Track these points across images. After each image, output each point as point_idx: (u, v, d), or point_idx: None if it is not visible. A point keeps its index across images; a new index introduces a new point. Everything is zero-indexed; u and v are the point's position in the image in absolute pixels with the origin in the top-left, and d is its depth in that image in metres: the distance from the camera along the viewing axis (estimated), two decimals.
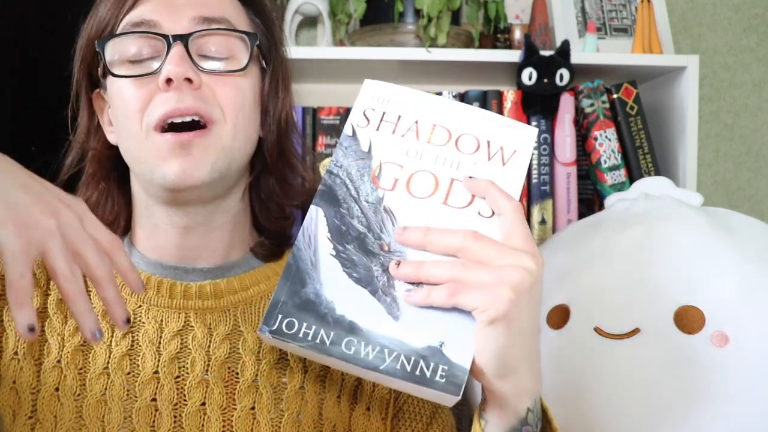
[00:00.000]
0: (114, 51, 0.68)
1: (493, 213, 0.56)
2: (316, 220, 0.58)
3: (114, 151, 0.72)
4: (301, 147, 0.81)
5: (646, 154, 1.19)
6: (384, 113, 0.61)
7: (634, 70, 1.25)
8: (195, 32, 0.67)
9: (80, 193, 0.74)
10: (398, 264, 0.55)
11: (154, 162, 0.65)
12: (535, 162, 1.21)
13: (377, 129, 0.60)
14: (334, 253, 0.57)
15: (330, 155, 1.21)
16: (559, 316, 0.75)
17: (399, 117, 0.61)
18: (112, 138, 0.72)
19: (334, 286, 0.55)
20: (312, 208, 0.59)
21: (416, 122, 0.60)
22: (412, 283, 0.54)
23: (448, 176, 0.58)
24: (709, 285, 0.71)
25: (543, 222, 1.20)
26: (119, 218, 0.75)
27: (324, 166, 1.21)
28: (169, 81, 0.64)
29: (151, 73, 0.66)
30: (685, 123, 1.20)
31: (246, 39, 0.69)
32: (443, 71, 1.30)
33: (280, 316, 0.55)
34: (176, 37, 0.66)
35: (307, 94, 1.40)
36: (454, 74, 1.33)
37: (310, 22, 1.44)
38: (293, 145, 0.77)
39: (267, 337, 0.54)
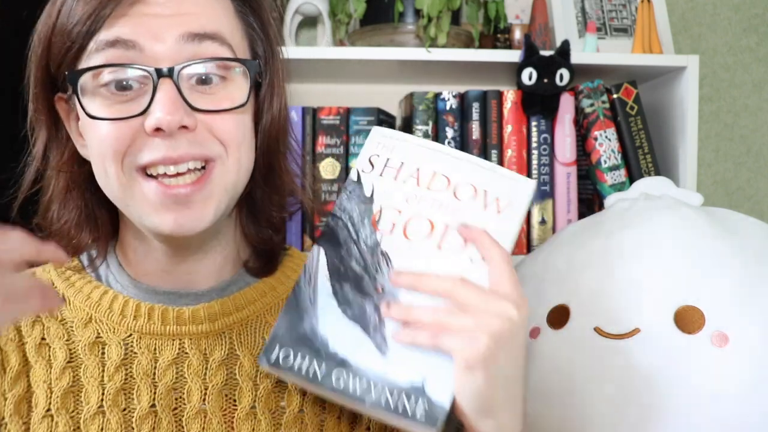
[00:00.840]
0: (87, 82, 0.59)
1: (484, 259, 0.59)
2: (317, 259, 0.61)
3: (88, 166, 0.63)
4: (300, 148, 0.78)
5: (646, 154, 1.19)
6: (388, 159, 0.63)
7: (634, 70, 1.25)
8: (185, 65, 0.58)
9: (54, 214, 0.66)
10: (389, 305, 0.57)
11: (142, 210, 0.59)
12: (535, 162, 1.21)
13: (380, 174, 0.63)
14: (331, 291, 0.60)
15: (329, 155, 1.21)
16: (559, 316, 0.75)
17: (402, 164, 0.63)
18: (84, 153, 0.64)
19: (330, 322, 0.59)
20: (315, 247, 0.62)
21: (418, 169, 0.62)
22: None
23: (443, 222, 0.60)
24: (709, 285, 0.71)
25: (543, 222, 1.20)
26: (104, 238, 0.68)
27: (324, 167, 1.21)
28: (159, 129, 0.56)
29: (136, 115, 0.57)
30: (685, 123, 1.20)
31: (245, 67, 0.62)
32: (443, 71, 1.30)
33: (278, 347, 0.59)
34: (163, 73, 0.57)
35: (307, 94, 1.40)
36: (454, 74, 1.33)
37: (310, 22, 1.44)
38: (285, 152, 0.71)
39: (265, 367, 0.59)
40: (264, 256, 0.72)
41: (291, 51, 0.77)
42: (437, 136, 1.22)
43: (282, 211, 0.72)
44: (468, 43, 1.25)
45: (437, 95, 1.22)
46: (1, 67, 0.73)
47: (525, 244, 1.20)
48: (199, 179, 0.59)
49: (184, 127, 0.57)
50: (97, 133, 0.59)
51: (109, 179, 0.60)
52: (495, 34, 1.33)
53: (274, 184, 0.70)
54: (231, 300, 0.68)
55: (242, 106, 0.61)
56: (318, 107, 1.22)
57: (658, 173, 1.19)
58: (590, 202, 1.23)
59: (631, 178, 1.18)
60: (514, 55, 1.20)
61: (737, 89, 1.52)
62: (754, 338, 0.68)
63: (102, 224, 0.68)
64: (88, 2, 0.58)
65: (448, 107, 1.22)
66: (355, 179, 0.63)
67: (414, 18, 1.21)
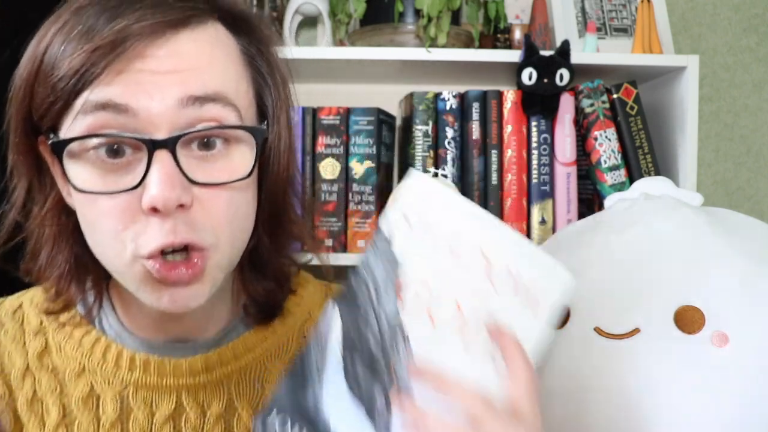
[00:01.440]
0: (75, 149, 0.52)
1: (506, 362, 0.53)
2: (331, 321, 0.55)
3: (74, 216, 0.57)
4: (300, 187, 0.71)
5: (646, 154, 1.19)
6: (425, 218, 0.55)
7: (634, 70, 1.25)
8: (185, 134, 0.52)
9: (43, 265, 0.60)
10: (401, 397, 0.51)
11: (140, 287, 0.55)
12: (535, 162, 1.21)
13: (414, 236, 0.55)
14: (341, 362, 0.54)
15: (329, 155, 1.21)
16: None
17: (440, 227, 0.55)
18: (71, 201, 0.57)
19: (334, 395, 0.54)
20: (331, 305, 0.55)
21: (456, 239, 0.55)
22: None
23: (473, 310, 0.54)
24: (709, 285, 0.71)
25: (543, 222, 1.20)
26: (98, 286, 0.62)
27: (324, 166, 1.21)
28: (155, 209, 0.51)
29: (130, 189, 0.51)
30: (685, 123, 1.20)
31: (251, 135, 0.55)
32: (443, 71, 1.30)
33: (275, 411, 0.54)
34: (160, 144, 0.50)
35: (307, 94, 1.40)
36: (454, 74, 1.33)
37: (310, 22, 1.44)
38: (291, 201, 0.65)
39: (260, 428, 0.54)
40: (264, 307, 0.67)
41: (291, 51, 0.76)
42: (437, 136, 1.22)
43: (291, 261, 0.68)
44: (468, 43, 1.25)
45: (437, 95, 1.22)
46: None
47: None
48: (194, 265, 0.54)
49: (181, 206, 0.51)
50: (90, 207, 0.53)
51: (107, 256, 0.55)
52: (495, 34, 1.33)
53: (281, 235, 0.65)
54: (229, 348, 0.65)
55: (245, 178, 0.55)
56: (318, 107, 1.22)
57: (658, 173, 1.19)
58: (590, 202, 1.23)
59: (631, 178, 1.18)
60: (514, 55, 1.20)
61: (737, 89, 1.52)
62: (754, 338, 0.68)
63: (94, 274, 0.61)
64: (77, 54, 0.50)
65: (448, 107, 1.22)
66: (386, 235, 0.55)
67: (414, 18, 1.21)
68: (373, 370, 0.53)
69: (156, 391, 0.63)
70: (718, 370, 0.67)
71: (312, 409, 0.54)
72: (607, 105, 1.19)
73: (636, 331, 0.70)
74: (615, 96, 1.19)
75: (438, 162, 1.22)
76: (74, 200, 0.56)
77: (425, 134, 1.22)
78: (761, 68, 1.52)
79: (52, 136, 0.53)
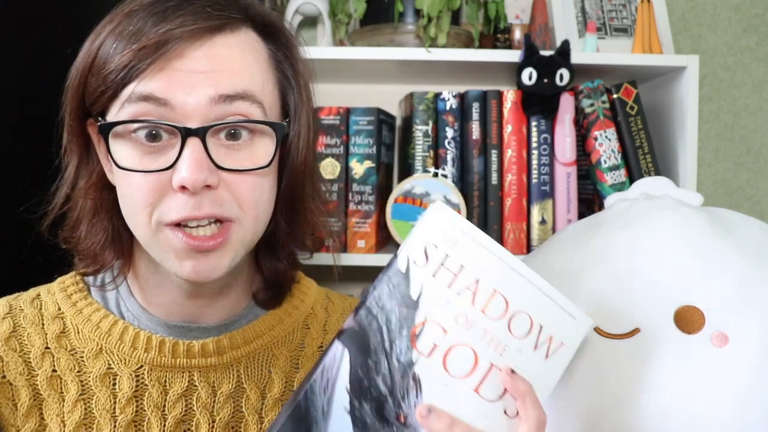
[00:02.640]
0: (118, 131, 0.60)
1: (518, 413, 0.54)
2: (339, 363, 0.53)
3: (115, 192, 0.65)
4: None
5: (646, 154, 1.19)
6: (447, 257, 0.53)
7: (634, 70, 1.25)
8: (215, 125, 0.59)
9: (82, 233, 0.67)
10: None
11: (166, 255, 0.61)
12: (535, 162, 1.21)
13: (434, 275, 0.53)
14: (348, 408, 0.52)
15: (329, 155, 1.21)
16: None
17: (461, 268, 0.53)
18: (112, 179, 0.65)
19: None
20: (338, 346, 0.53)
21: (477, 282, 0.53)
22: None
23: (489, 360, 0.53)
24: (709, 285, 0.71)
25: (543, 222, 1.20)
26: (125, 261, 0.69)
27: (323, 166, 1.21)
28: (184, 187, 0.58)
29: (163, 169, 0.58)
30: (685, 123, 1.20)
31: (273, 130, 0.62)
32: (443, 71, 1.30)
33: None
34: (192, 132, 0.58)
35: None
36: (454, 74, 1.33)
37: (310, 22, 1.44)
38: (312, 194, 0.71)
39: None
40: (274, 289, 0.72)
41: None
42: (437, 136, 1.22)
43: (304, 248, 0.73)
44: (468, 43, 1.25)
45: (437, 95, 1.22)
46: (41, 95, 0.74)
47: (525, 244, 1.20)
48: (218, 234, 0.60)
49: (208, 186, 0.58)
50: (128, 180, 0.60)
51: (135, 224, 0.62)
52: (495, 34, 1.33)
53: (298, 225, 0.70)
54: (239, 333, 0.69)
55: (266, 167, 0.62)
56: (318, 107, 1.22)
57: (658, 173, 1.19)
58: (590, 202, 1.23)
59: (631, 178, 1.18)
60: (514, 55, 1.20)
61: (737, 89, 1.52)
62: (754, 338, 0.68)
63: (126, 247, 0.68)
64: (126, 52, 0.58)
65: (448, 107, 1.22)
66: (404, 271, 0.53)
67: (414, 18, 1.21)
68: (382, 418, 0.52)
69: (169, 370, 0.67)
70: (718, 370, 0.67)
71: None
72: (607, 105, 1.19)
73: (636, 331, 0.70)
74: (615, 96, 1.19)
75: (438, 162, 1.22)
76: (114, 176, 0.63)
77: (425, 134, 1.22)
78: (761, 68, 1.52)
79: (100, 119, 0.60)
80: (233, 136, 0.60)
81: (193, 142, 0.58)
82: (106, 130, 0.60)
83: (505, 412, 0.54)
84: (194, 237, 0.59)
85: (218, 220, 0.61)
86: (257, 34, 0.65)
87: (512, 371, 0.54)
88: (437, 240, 0.53)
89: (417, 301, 0.53)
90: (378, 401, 0.52)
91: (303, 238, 0.72)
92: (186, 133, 0.58)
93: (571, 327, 0.56)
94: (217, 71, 0.59)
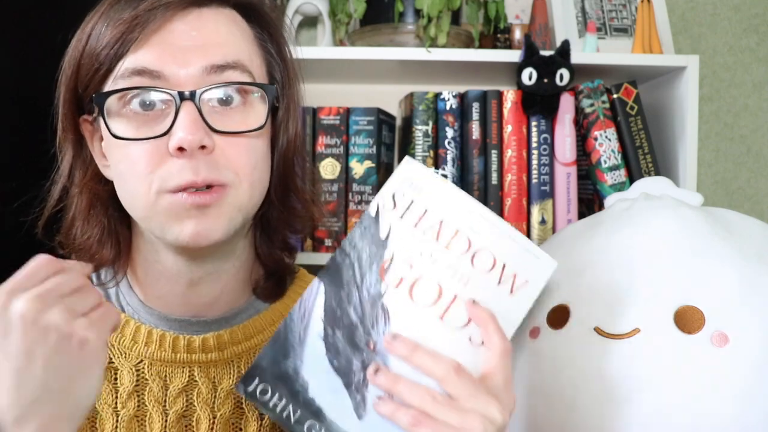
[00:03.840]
0: (113, 104, 0.61)
1: (483, 343, 0.57)
2: (315, 295, 0.58)
3: (110, 185, 0.66)
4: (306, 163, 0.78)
5: (646, 154, 1.19)
6: (412, 202, 0.58)
7: (634, 70, 1.25)
8: (206, 89, 0.60)
9: (78, 230, 0.67)
10: (376, 370, 0.56)
11: (166, 222, 0.61)
12: (535, 162, 1.21)
13: (401, 217, 0.58)
14: (322, 334, 0.57)
15: (329, 155, 1.21)
16: (559, 316, 0.75)
17: (425, 211, 0.58)
18: (107, 173, 0.66)
19: (314, 367, 0.57)
20: (315, 281, 0.58)
21: (441, 222, 0.58)
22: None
23: (453, 291, 0.57)
24: (709, 285, 0.71)
25: (543, 222, 1.20)
26: (123, 256, 0.69)
27: (324, 166, 1.21)
28: (181, 149, 0.59)
29: (159, 136, 0.59)
30: (685, 123, 1.20)
31: (264, 92, 0.64)
32: (443, 71, 1.30)
33: (257, 379, 0.57)
34: (188, 94, 0.59)
35: (307, 94, 1.40)
36: (454, 74, 1.33)
37: (310, 22, 1.44)
38: (300, 173, 0.72)
39: (241, 394, 0.58)
40: (274, 279, 0.72)
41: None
42: (437, 136, 1.22)
43: (296, 231, 0.74)
44: (468, 43, 1.25)
45: (437, 95, 1.22)
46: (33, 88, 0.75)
47: None
48: (218, 193, 0.60)
49: (203, 147, 0.59)
50: (124, 153, 0.61)
51: (135, 197, 0.61)
52: (495, 34, 1.33)
53: (290, 204, 0.71)
54: (240, 329, 0.69)
55: (259, 128, 0.63)
56: (318, 107, 1.22)
57: (658, 173, 1.19)
58: (590, 202, 1.23)
59: (631, 178, 1.18)
60: (514, 55, 1.20)
61: (737, 89, 1.52)
62: (754, 338, 0.68)
63: (123, 241, 0.68)
64: (116, 26, 0.60)
65: (448, 107, 1.22)
66: (373, 215, 0.58)
67: (414, 18, 1.21)
68: (353, 345, 0.57)
69: (170, 365, 0.67)
70: (718, 370, 0.67)
71: (293, 377, 0.57)
72: (607, 105, 1.19)
73: (636, 331, 0.70)
74: (615, 96, 1.19)
75: (438, 162, 1.22)
76: (110, 154, 0.63)
77: (425, 134, 1.22)
78: (761, 68, 1.52)
79: (94, 96, 0.61)
80: (226, 102, 0.62)
81: (188, 106, 0.59)
82: (101, 101, 0.60)
83: (470, 339, 0.57)
84: (193, 193, 0.60)
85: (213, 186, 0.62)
86: (241, 15, 0.66)
87: (474, 301, 0.57)
88: (404, 188, 0.58)
89: (385, 240, 0.58)
90: (349, 329, 0.57)
91: (295, 220, 0.72)
92: (180, 98, 0.59)
93: (535, 266, 0.59)
94: (207, 44, 0.61)
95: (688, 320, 0.70)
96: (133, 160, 0.60)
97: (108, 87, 0.61)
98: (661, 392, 0.68)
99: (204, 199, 0.60)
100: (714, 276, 0.72)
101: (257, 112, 0.63)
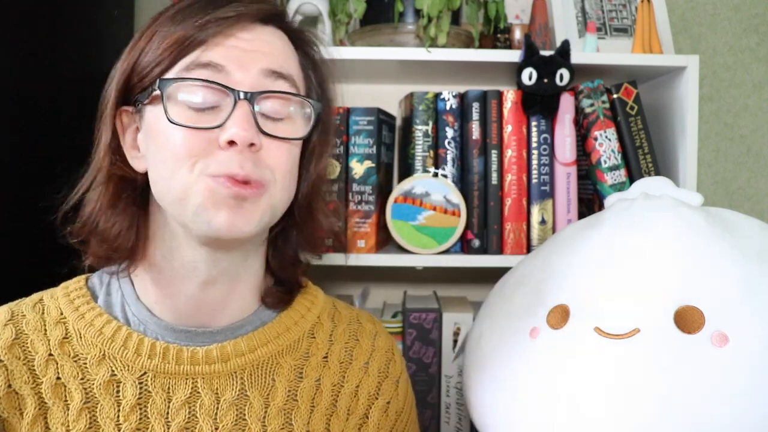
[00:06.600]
0: (174, 91, 0.64)
1: None
2: None
3: (137, 178, 0.68)
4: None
5: (646, 154, 1.19)
6: None
7: (634, 70, 1.25)
8: (264, 92, 0.66)
9: (100, 218, 0.69)
10: None
11: (201, 205, 0.62)
12: (535, 162, 1.21)
13: None
14: None
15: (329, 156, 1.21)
16: (559, 316, 0.75)
17: None
18: (135, 164, 0.69)
19: None
20: None
21: None
22: None
23: None
24: (709, 285, 0.71)
25: (543, 222, 1.20)
26: (139, 252, 0.70)
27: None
28: (232, 143, 0.63)
29: (212, 127, 0.63)
30: (685, 123, 1.20)
31: (311, 106, 0.70)
32: (443, 71, 1.30)
33: None
34: (245, 94, 0.64)
35: None
36: (454, 74, 1.33)
37: (310, 22, 1.44)
38: (322, 198, 0.77)
39: None
40: (283, 288, 0.75)
41: None
42: (437, 136, 1.22)
43: (313, 251, 0.78)
44: (468, 43, 1.25)
45: (437, 95, 1.22)
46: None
47: (525, 244, 1.20)
48: (257, 189, 0.64)
49: (252, 144, 0.63)
50: (175, 140, 0.63)
51: (174, 178, 0.63)
52: (495, 34, 1.33)
53: (311, 226, 0.76)
54: (244, 341, 0.70)
55: (302, 138, 0.69)
56: None
57: (658, 173, 1.19)
58: (590, 202, 1.23)
59: (631, 178, 1.18)
60: (514, 55, 1.20)
61: (737, 89, 1.52)
62: (754, 338, 0.68)
63: (140, 237, 0.70)
64: (189, 27, 0.65)
65: (448, 107, 1.22)
66: None
67: (414, 18, 1.21)
68: None
69: (173, 377, 0.67)
70: (718, 370, 0.67)
71: None
72: (607, 105, 1.19)
73: (636, 331, 0.70)
74: (615, 96, 1.19)
75: (438, 162, 1.22)
76: (153, 141, 0.65)
77: (425, 134, 1.22)
78: (761, 68, 1.52)
79: (159, 81, 0.64)
80: (275, 111, 0.66)
81: (244, 105, 0.63)
82: (164, 86, 0.63)
83: None
84: (235, 182, 0.62)
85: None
86: (290, 40, 0.72)
87: None
88: None
89: None
90: None
91: (314, 242, 0.76)
92: (238, 96, 0.63)
93: None
94: (265, 52, 0.67)
95: (688, 320, 0.70)
96: (179, 145, 0.63)
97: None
98: (661, 392, 0.68)
99: (245, 191, 0.63)
100: (714, 276, 0.72)
101: (300, 126, 0.69)
